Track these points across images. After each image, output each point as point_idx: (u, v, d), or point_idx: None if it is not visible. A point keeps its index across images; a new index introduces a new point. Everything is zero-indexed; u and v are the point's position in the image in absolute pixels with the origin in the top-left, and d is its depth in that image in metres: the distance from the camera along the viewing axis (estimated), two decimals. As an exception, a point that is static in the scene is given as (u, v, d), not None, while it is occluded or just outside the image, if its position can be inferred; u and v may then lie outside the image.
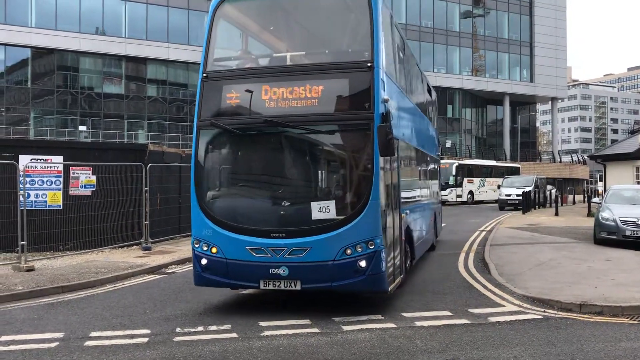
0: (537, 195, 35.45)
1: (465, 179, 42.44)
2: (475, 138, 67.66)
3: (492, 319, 7.83)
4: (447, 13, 61.80)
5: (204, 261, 8.22)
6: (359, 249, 7.66)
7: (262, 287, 8.00)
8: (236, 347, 6.67)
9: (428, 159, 14.51)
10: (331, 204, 7.77)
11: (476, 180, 43.78)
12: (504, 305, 8.68)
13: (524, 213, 29.90)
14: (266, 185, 8.60)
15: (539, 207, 35.45)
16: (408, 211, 10.30)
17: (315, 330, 7.34)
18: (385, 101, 8.06)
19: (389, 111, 8.02)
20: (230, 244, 8.01)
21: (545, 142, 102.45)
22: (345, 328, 7.40)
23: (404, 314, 8.12)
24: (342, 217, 7.73)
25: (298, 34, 9.59)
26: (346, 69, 8.22)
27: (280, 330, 7.30)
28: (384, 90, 8.16)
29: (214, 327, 7.53)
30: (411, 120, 11.71)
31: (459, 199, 41.39)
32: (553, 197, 37.59)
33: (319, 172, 8.50)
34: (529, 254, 13.69)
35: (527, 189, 33.65)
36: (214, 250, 8.14)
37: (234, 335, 7.15)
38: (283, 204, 8.13)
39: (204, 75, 8.54)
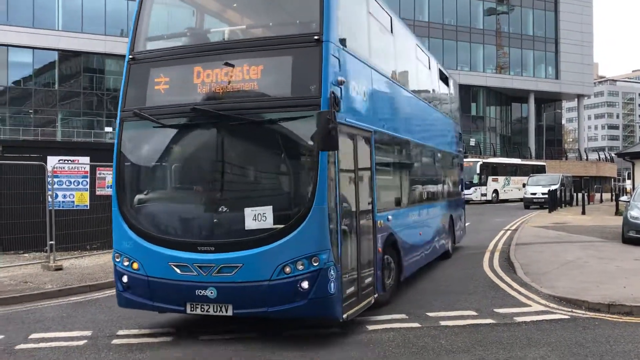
0: (563, 194, 34.98)
1: (490, 178, 42.12)
2: (499, 136, 67.06)
3: (518, 319, 7.74)
4: (471, 10, 61.36)
5: (124, 279, 7.09)
6: (300, 267, 6.35)
7: (188, 311, 6.79)
8: (259, 345, 6.69)
9: (439, 155, 13.06)
10: (268, 211, 6.46)
11: (501, 178, 43.41)
12: (530, 305, 8.58)
13: (550, 212, 29.53)
14: (193, 188, 7.36)
15: (565, 205, 34.96)
16: (391, 216, 8.83)
17: (339, 329, 7.31)
18: (340, 83, 6.74)
19: (336, 94, 6.57)
20: (151, 258, 6.84)
21: (571, 139, 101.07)
22: (370, 327, 7.38)
23: (429, 314, 8.08)
24: (281, 226, 6.44)
25: (241, 4, 8.37)
26: (290, 44, 6.90)
27: (302, 330, 7.29)
28: (339, 69, 6.82)
29: (237, 326, 7.57)
30: (402, 109, 10.25)
31: (484, 198, 41.09)
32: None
33: (256, 171, 7.22)
34: (555, 253, 13.51)
35: (553, 187, 33.23)
36: (135, 266, 6.97)
37: (256, 334, 7.18)
38: (214, 210, 6.88)
39: (130, 57, 7.42)
